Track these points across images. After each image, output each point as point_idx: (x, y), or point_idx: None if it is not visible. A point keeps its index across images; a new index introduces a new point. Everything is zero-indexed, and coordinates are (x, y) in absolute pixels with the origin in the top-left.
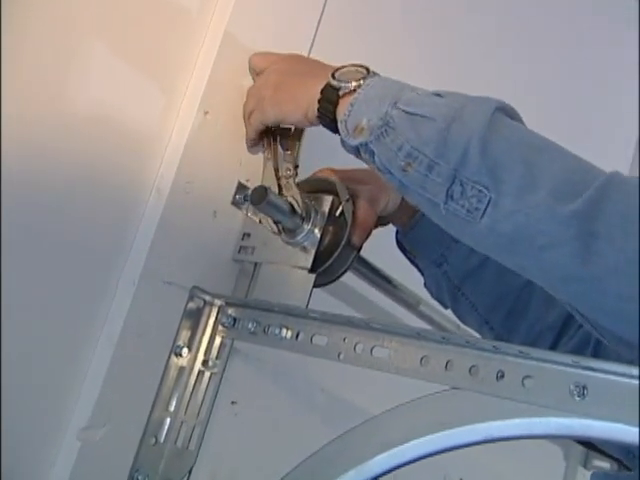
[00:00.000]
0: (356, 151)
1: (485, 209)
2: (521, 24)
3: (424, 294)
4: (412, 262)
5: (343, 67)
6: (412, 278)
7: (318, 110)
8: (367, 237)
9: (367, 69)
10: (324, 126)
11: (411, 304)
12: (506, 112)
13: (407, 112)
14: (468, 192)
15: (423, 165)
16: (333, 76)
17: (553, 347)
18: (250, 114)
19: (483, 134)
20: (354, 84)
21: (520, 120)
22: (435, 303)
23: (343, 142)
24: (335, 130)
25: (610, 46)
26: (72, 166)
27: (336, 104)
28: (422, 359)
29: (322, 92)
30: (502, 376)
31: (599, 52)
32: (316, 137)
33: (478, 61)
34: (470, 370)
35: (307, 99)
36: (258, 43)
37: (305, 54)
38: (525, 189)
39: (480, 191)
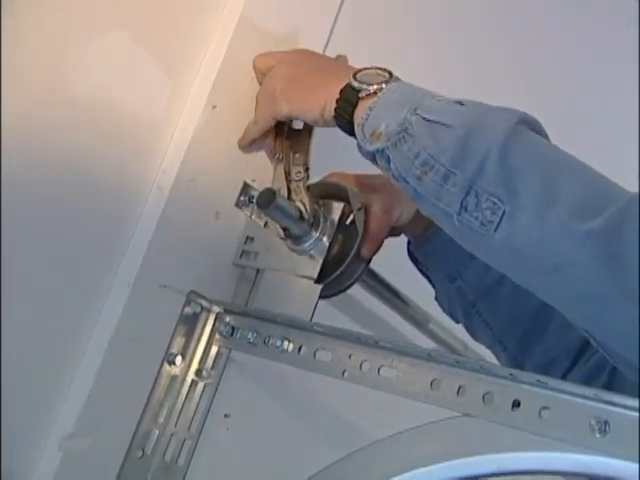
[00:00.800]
0: (372, 157)
1: (499, 222)
2: (520, 24)
3: (432, 307)
4: (423, 274)
5: (365, 69)
6: (421, 290)
7: (335, 110)
8: (378, 249)
9: (390, 73)
10: (340, 127)
11: (420, 322)
12: (529, 124)
13: (426, 119)
14: (482, 204)
15: (439, 174)
16: (354, 77)
17: (568, 371)
18: (257, 110)
19: (503, 144)
20: (375, 87)
21: (544, 134)
22: (444, 320)
23: (359, 147)
24: (351, 133)
25: (609, 47)
26: (65, 158)
27: (355, 106)
28: (432, 382)
29: (341, 92)
30: (518, 405)
31: (598, 52)
32: (325, 138)
33: (479, 59)
34: (484, 397)
35: (325, 97)
36: (275, 30)
37: (323, 45)
38: (542, 204)
39: (494, 203)
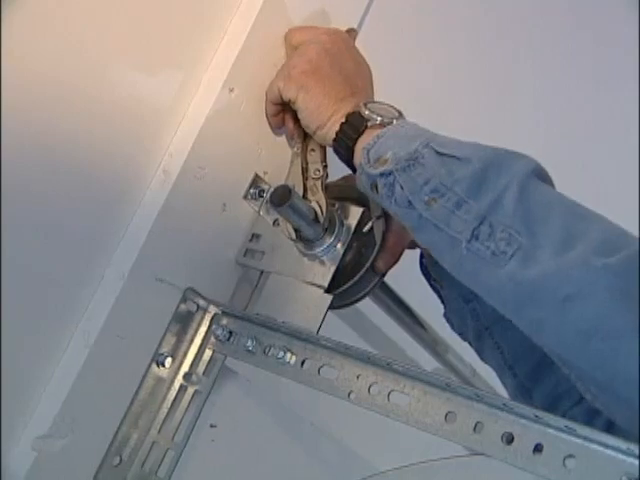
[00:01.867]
0: (371, 183)
1: (513, 254)
2: (519, 24)
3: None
4: (435, 290)
5: (377, 102)
6: (427, 305)
7: (338, 133)
8: (395, 263)
9: (400, 112)
10: (336, 149)
11: (428, 342)
12: (543, 176)
13: (439, 152)
14: (497, 234)
15: (451, 202)
16: (365, 105)
17: (575, 405)
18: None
19: (523, 182)
20: (385, 120)
21: (553, 186)
22: (452, 340)
23: (360, 172)
24: (345, 158)
25: (610, 33)
26: (58, 133)
27: (360, 133)
28: (447, 415)
29: (348, 117)
30: (540, 450)
31: (598, 52)
32: None
33: (479, 56)
34: (503, 437)
35: (331, 114)
36: (305, 10)
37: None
38: (561, 243)
39: (511, 235)
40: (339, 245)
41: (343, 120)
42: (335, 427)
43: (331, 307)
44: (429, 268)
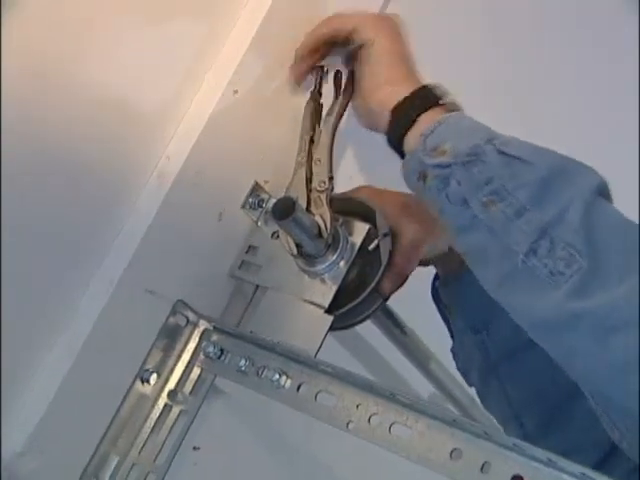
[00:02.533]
0: (420, 171)
1: (571, 276)
2: (521, 13)
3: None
4: (444, 319)
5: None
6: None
7: (401, 103)
8: (401, 285)
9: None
10: (391, 121)
11: (430, 373)
12: (606, 192)
13: (503, 152)
14: (557, 252)
15: (511, 208)
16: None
17: (598, 466)
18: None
19: (588, 199)
20: (451, 106)
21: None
22: (451, 367)
23: (410, 157)
24: (399, 133)
25: (610, 33)
26: (44, 129)
27: (427, 109)
28: (453, 452)
29: (417, 90)
30: None
31: (598, 51)
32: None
33: (477, 56)
34: (512, 479)
35: (402, 77)
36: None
37: None
38: (618, 273)
39: (571, 255)
40: (342, 263)
41: (407, 94)
42: (328, 457)
43: (331, 328)
44: (441, 292)
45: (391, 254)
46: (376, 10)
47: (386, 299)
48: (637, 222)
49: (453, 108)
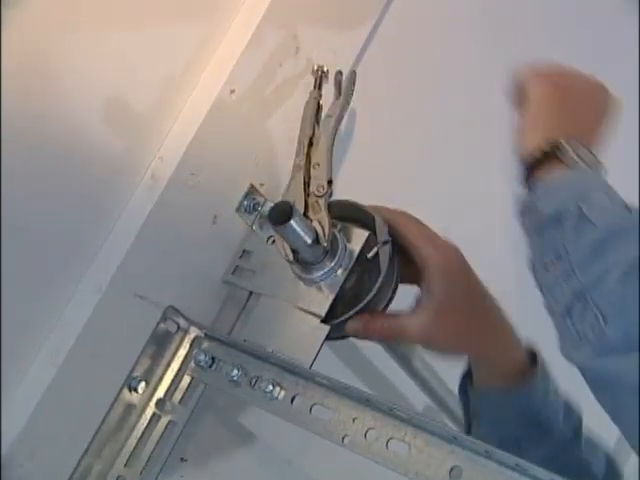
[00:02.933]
0: (522, 210)
1: (592, 339)
2: (521, 13)
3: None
4: (464, 406)
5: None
6: None
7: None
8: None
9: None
10: (522, 157)
11: (429, 390)
12: None
13: (584, 215)
14: (587, 316)
15: (561, 271)
16: (568, 140)
17: None
18: None
19: (631, 263)
20: (571, 162)
21: None
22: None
23: (525, 193)
24: (527, 171)
25: (610, 33)
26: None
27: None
28: (452, 470)
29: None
30: None
31: (598, 51)
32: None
33: (476, 56)
34: None
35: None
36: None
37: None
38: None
39: (597, 320)
40: (340, 271)
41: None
42: (321, 471)
43: (327, 338)
44: (469, 393)
45: (391, 260)
46: (378, 10)
47: (384, 309)
48: None
49: (573, 164)
